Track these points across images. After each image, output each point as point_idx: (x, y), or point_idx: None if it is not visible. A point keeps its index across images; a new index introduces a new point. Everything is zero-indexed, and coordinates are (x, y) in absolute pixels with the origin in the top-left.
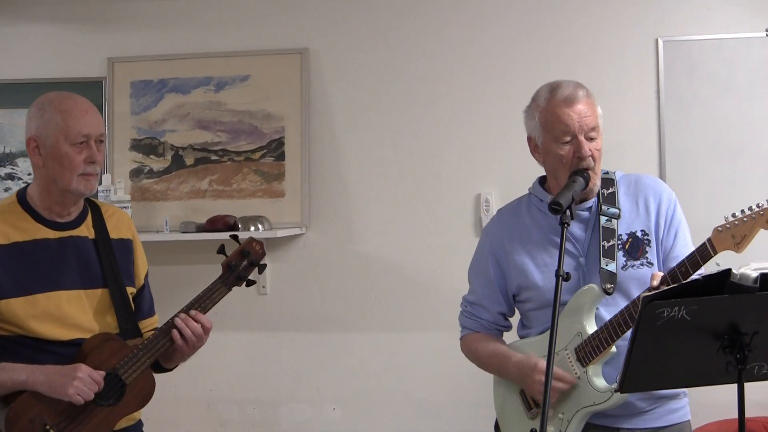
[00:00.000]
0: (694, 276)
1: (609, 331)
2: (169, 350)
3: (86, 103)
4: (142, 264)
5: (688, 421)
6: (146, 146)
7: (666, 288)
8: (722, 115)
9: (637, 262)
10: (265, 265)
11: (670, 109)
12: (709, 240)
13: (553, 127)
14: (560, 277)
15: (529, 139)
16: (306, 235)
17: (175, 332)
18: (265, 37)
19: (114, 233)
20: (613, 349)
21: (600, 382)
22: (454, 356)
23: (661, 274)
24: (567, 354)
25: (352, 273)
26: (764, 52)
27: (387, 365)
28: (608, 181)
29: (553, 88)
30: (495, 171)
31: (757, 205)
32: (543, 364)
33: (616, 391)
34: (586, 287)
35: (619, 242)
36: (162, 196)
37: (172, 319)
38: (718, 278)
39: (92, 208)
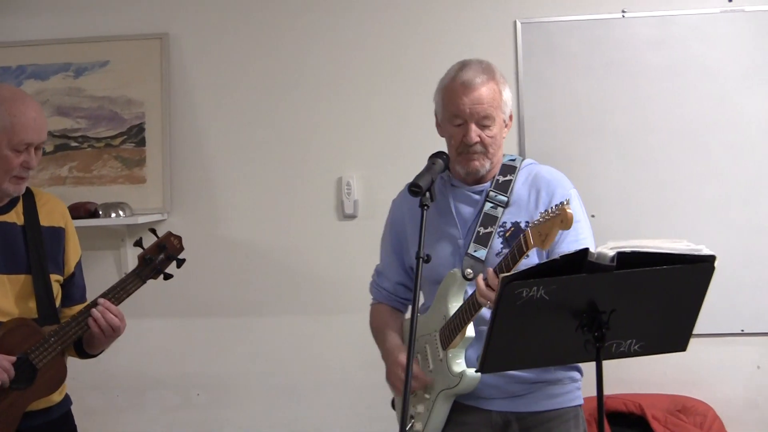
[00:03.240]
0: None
1: (461, 316)
2: (86, 337)
3: (37, 108)
4: (73, 252)
5: (575, 406)
6: None
7: (525, 268)
8: (581, 95)
9: None
10: (183, 260)
11: (529, 90)
12: (523, 235)
13: (448, 107)
14: (420, 259)
15: (435, 114)
16: (168, 221)
17: (91, 321)
18: (125, 23)
19: (45, 221)
20: (471, 333)
21: (454, 367)
22: (320, 339)
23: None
24: (435, 336)
25: (215, 258)
26: (621, 32)
27: (252, 350)
28: (509, 168)
29: (460, 68)
30: (356, 154)
31: (556, 206)
32: (403, 358)
33: (477, 371)
34: (450, 272)
35: (501, 230)
36: None
37: (87, 308)
38: (576, 258)
39: (26, 195)
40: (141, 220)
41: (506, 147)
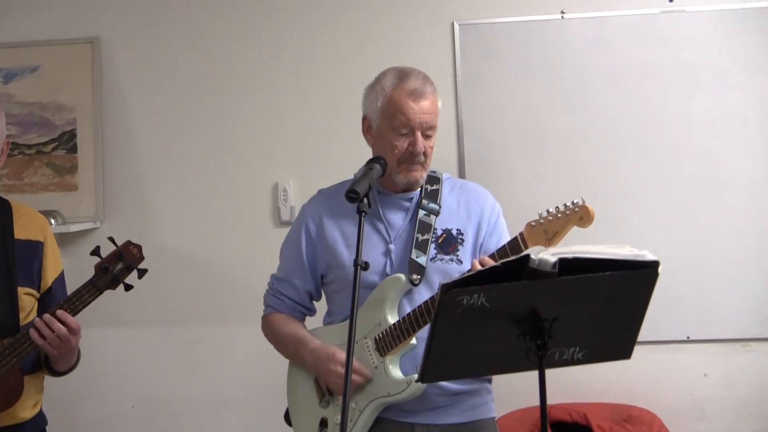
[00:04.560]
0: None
1: (410, 322)
2: (43, 351)
3: None
4: (51, 267)
5: (492, 418)
6: None
7: (464, 275)
8: (519, 97)
9: (447, 257)
10: (145, 270)
11: (468, 92)
12: (521, 234)
13: (394, 116)
14: (358, 266)
15: (364, 119)
16: (101, 229)
17: (33, 332)
18: (55, 27)
19: (21, 234)
20: (413, 341)
21: (397, 373)
22: (254, 349)
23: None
24: (366, 343)
25: (149, 266)
26: (560, 34)
27: (186, 360)
28: (434, 179)
29: (402, 76)
30: (292, 160)
31: (573, 203)
32: (340, 354)
33: (417, 381)
34: (392, 276)
35: (434, 236)
36: None
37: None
38: (517, 264)
39: (2, 207)
40: (73, 228)
41: (444, 149)
